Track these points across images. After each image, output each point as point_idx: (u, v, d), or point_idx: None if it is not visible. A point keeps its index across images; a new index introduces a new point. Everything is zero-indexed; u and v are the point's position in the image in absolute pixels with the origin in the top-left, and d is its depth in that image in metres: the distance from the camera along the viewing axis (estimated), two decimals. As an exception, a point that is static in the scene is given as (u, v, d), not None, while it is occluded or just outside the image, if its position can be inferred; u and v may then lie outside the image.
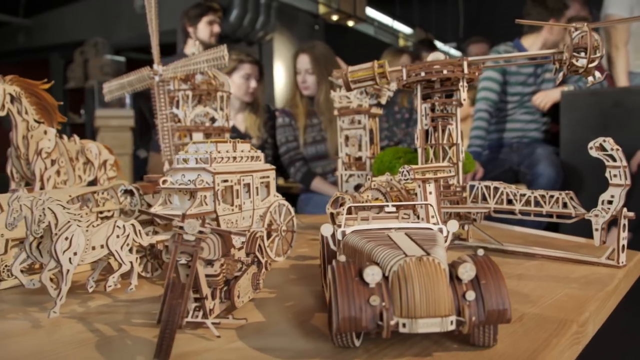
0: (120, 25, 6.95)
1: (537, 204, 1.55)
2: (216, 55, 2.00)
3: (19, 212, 1.10)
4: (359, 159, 2.32)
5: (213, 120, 2.31)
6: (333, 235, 1.09)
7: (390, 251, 0.91)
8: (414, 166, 1.38)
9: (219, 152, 1.46)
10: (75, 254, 1.09)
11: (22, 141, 1.77)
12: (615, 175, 1.39)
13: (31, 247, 1.12)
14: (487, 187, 1.64)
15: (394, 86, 2.24)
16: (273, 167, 1.63)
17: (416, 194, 1.62)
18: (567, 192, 1.49)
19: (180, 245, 0.94)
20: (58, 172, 1.85)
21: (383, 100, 2.30)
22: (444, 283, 0.86)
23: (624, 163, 1.38)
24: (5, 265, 1.38)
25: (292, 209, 1.66)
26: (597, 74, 1.58)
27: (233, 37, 7.02)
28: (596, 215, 1.43)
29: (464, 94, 1.69)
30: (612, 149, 1.39)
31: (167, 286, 0.89)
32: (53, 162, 1.80)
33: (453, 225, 1.09)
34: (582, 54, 1.53)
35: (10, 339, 1.00)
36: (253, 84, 3.97)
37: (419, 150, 1.76)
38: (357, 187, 2.32)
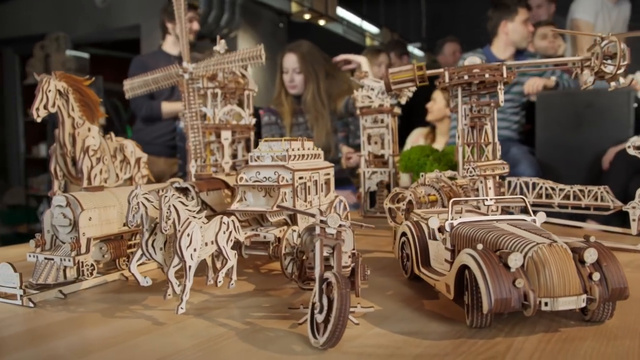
0: (80, 19, 6.71)
1: (574, 197, 1.69)
2: (253, 54, 2.04)
3: (137, 209, 1.12)
4: (381, 156, 2.41)
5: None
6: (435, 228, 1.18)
7: (519, 239, 1.00)
8: (478, 163, 1.48)
9: (292, 149, 1.51)
10: (195, 250, 1.12)
11: (69, 139, 1.75)
12: None
13: (147, 244, 1.14)
14: (526, 183, 1.76)
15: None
16: (332, 164, 1.69)
17: (463, 190, 1.74)
18: (604, 186, 1.64)
19: (324, 238, 0.99)
20: (100, 170, 1.84)
21: (403, 101, 2.40)
22: (573, 266, 0.97)
23: None
24: (91, 264, 1.37)
25: (347, 205, 1.73)
26: (622, 79, 1.74)
27: (197, 34, 6.95)
28: (633, 207, 1.58)
29: (502, 96, 1.81)
30: None
31: (321, 278, 0.94)
32: (98, 160, 1.79)
33: (542, 217, 1.19)
34: (610, 62, 1.69)
35: (141, 337, 1.02)
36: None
37: (459, 149, 1.87)
38: (380, 184, 2.41)
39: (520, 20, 3.87)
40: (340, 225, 1.01)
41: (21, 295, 1.22)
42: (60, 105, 1.71)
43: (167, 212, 1.09)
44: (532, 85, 3.87)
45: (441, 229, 1.20)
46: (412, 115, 4.18)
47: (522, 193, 1.78)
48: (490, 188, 1.54)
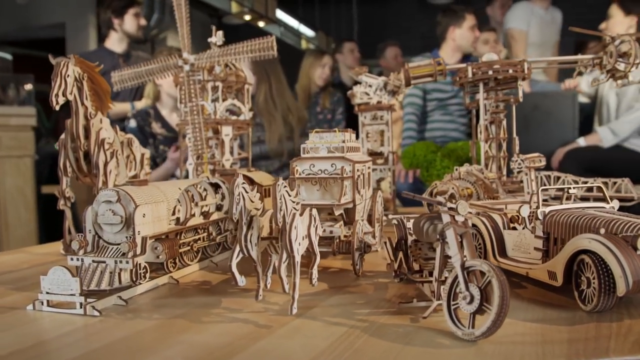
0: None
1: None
2: (264, 45, 1.95)
3: (239, 201, 1.02)
4: (380, 153, 2.40)
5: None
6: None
7: (628, 223, 1.02)
8: (527, 156, 1.51)
9: (345, 141, 1.46)
10: (299, 244, 1.04)
11: (82, 131, 1.57)
12: None
13: (246, 239, 1.04)
14: (548, 177, 1.83)
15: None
16: (370, 158, 1.65)
17: (493, 183, 1.77)
18: (627, 178, 1.73)
19: (456, 226, 0.96)
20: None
21: (400, 98, 2.41)
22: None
23: None
24: (144, 267, 1.23)
25: (382, 200, 1.69)
26: (630, 76, 1.86)
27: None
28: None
29: (521, 92, 1.87)
30: None
31: (463, 267, 0.91)
32: (112, 155, 1.62)
33: (616, 204, 1.24)
34: (622, 60, 1.80)
35: (261, 341, 0.92)
36: None
37: (482, 144, 1.90)
38: (380, 181, 2.40)
39: (467, 26, 4.02)
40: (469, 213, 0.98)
41: (83, 304, 1.07)
42: (75, 93, 1.54)
43: (280, 203, 1.00)
44: None
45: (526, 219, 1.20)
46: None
47: (543, 185, 1.84)
48: (532, 180, 1.58)
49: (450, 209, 0.97)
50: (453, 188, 1.64)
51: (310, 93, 4.49)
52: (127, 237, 1.20)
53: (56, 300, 1.09)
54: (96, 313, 1.06)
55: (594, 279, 1.00)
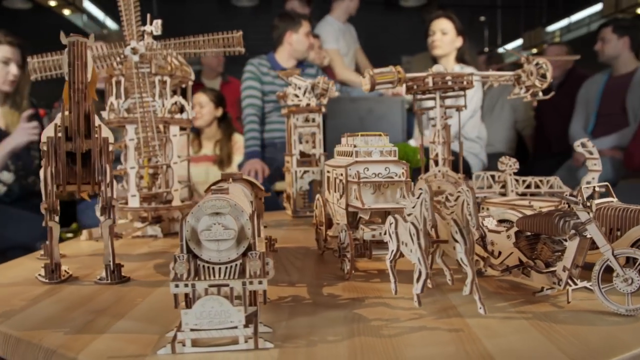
0: None
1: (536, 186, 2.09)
2: (232, 41, 1.85)
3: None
4: (312, 155, 2.40)
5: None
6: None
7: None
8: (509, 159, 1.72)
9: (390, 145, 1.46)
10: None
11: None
12: (594, 164, 2.05)
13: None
14: (493, 176, 2.09)
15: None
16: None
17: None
18: (555, 177, 2.07)
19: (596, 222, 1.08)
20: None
21: (325, 101, 2.44)
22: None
23: (598, 156, 2.04)
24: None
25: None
26: (541, 94, 2.23)
27: None
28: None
29: (464, 101, 2.10)
30: (591, 147, 2.03)
31: (613, 253, 1.03)
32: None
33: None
34: (540, 79, 2.16)
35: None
36: (14, 70, 3.22)
37: (439, 147, 2.07)
38: (311, 183, 2.40)
39: (303, 32, 4.19)
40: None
41: (248, 337, 0.88)
42: (83, 80, 1.23)
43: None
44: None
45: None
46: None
47: (489, 186, 2.10)
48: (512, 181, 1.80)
49: (586, 206, 1.09)
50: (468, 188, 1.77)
51: None
52: (237, 253, 1.02)
53: (206, 338, 0.87)
54: (269, 345, 0.89)
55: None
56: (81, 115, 1.25)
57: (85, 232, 1.94)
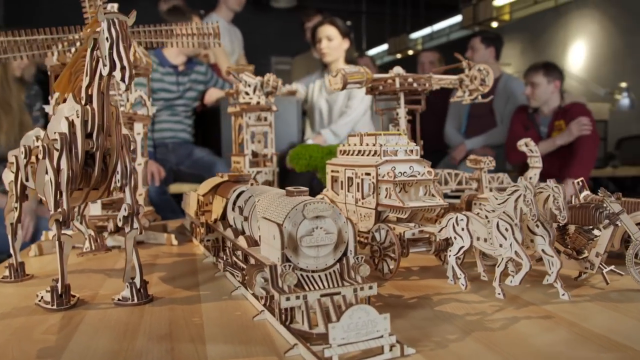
0: None
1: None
2: (209, 31, 1.77)
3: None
4: (264, 155, 2.32)
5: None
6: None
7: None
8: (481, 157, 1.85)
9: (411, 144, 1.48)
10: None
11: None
12: (535, 162, 2.26)
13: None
14: (449, 174, 2.22)
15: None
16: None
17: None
18: (504, 173, 2.25)
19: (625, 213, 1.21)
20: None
21: (273, 99, 2.38)
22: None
23: (539, 154, 2.25)
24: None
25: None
26: (480, 97, 2.42)
27: None
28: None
29: (423, 102, 2.20)
30: (533, 146, 2.23)
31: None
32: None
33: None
34: (483, 82, 2.34)
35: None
36: None
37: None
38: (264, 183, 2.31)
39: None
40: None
41: (393, 345, 0.83)
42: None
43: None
44: (212, 95, 4.19)
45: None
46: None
47: (446, 182, 2.22)
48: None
49: (618, 199, 1.22)
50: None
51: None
52: (334, 259, 0.96)
53: (354, 351, 0.81)
54: (411, 351, 0.86)
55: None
56: (107, 107, 1.08)
57: (34, 247, 1.66)
